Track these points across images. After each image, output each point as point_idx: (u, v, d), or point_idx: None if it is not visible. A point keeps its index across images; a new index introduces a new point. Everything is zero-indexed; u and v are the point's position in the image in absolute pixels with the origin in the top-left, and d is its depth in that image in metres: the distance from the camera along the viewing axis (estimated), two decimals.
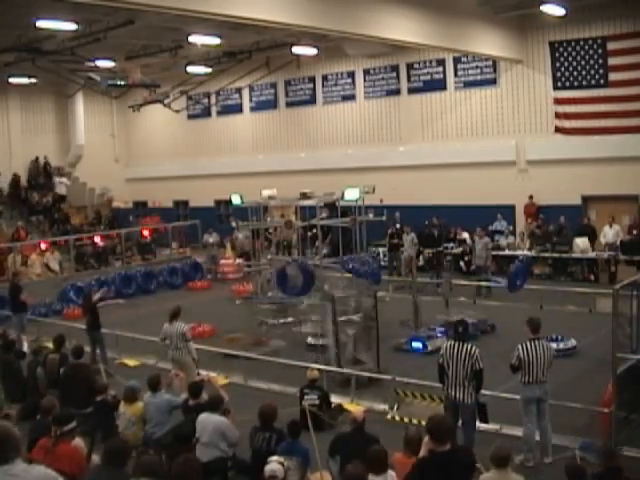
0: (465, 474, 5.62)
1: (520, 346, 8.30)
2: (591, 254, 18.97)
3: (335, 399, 10.31)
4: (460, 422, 8.37)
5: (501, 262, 20.40)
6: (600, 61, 19.48)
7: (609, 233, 19.05)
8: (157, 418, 8.55)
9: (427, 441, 5.64)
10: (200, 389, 8.63)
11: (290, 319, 15.58)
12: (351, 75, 24.97)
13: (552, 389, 8.62)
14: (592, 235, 19.32)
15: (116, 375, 11.22)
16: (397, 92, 23.89)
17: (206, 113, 29.59)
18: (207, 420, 7.55)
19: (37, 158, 29.69)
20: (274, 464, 6.42)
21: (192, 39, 19.81)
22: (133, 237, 26.06)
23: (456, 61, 22.32)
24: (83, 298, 14.84)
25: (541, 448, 8.32)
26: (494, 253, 20.52)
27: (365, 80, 24.62)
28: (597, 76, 19.60)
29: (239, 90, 27.79)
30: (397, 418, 10.01)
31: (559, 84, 20.32)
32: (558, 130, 20.42)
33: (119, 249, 24.72)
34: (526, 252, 20.07)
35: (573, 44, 19.91)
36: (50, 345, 11.73)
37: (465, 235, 21.14)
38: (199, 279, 22.34)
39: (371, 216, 16.16)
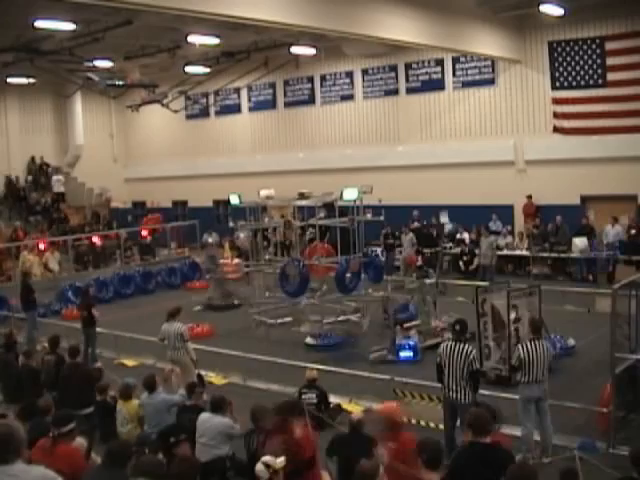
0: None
1: (520, 346, 8.34)
2: (590, 254, 18.98)
3: (334, 399, 10.31)
4: (459, 422, 8.40)
5: (499, 262, 20.49)
6: (598, 61, 19.50)
7: (610, 233, 19.06)
8: (156, 419, 8.54)
9: (467, 433, 5.81)
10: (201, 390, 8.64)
11: (288, 319, 15.64)
12: (350, 75, 24.97)
13: (551, 389, 8.63)
14: (590, 235, 19.32)
15: (112, 374, 11.19)
16: (395, 92, 23.90)
17: (204, 113, 29.58)
18: (210, 421, 7.53)
19: (33, 158, 29.63)
20: (259, 465, 6.36)
21: (190, 39, 19.78)
22: (132, 237, 26.04)
23: (454, 61, 22.33)
24: (81, 295, 14.86)
25: (541, 448, 8.34)
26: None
27: (364, 80, 24.63)
28: (595, 76, 19.62)
29: (237, 90, 27.79)
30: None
31: (557, 84, 20.34)
32: (556, 130, 20.45)
33: (119, 250, 24.72)
34: (524, 252, 20.12)
35: (572, 44, 19.94)
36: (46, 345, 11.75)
37: (465, 235, 21.15)
38: (197, 279, 22.33)
39: (369, 216, 16.18)
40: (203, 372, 12.43)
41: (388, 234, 21.19)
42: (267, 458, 6.17)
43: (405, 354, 12.82)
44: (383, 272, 16.48)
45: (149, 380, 8.85)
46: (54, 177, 29.41)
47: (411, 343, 12.92)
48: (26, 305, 15.59)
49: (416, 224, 21.93)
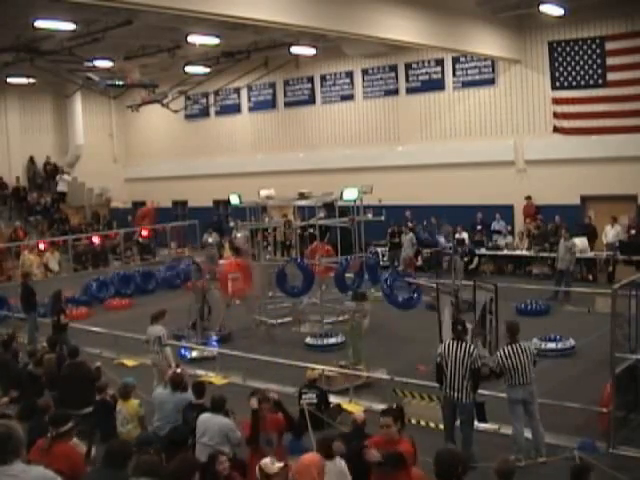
0: None
1: (498, 353, 8.38)
2: (589, 254, 18.98)
3: (334, 399, 10.31)
4: (458, 422, 8.42)
5: (499, 262, 20.51)
6: (598, 61, 19.49)
7: (610, 233, 19.06)
8: (174, 416, 8.51)
9: None
10: (204, 389, 8.65)
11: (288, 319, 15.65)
12: (349, 75, 24.96)
13: (551, 389, 8.63)
14: (592, 235, 19.33)
15: (112, 374, 11.20)
16: (395, 92, 23.89)
17: (204, 113, 29.57)
18: (210, 421, 7.52)
19: (32, 158, 29.58)
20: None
21: (191, 39, 19.78)
22: (133, 237, 26.05)
23: (455, 61, 22.32)
24: (51, 298, 14.69)
25: (534, 448, 8.34)
26: (492, 253, 20.61)
27: (364, 80, 24.62)
28: (595, 76, 19.61)
29: (237, 90, 27.78)
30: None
31: (557, 84, 20.33)
32: (556, 130, 20.44)
33: (118, 249, 24.72)
34: (524, 252, 20.13)
35: (571, 44, 19.93)
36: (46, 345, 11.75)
37: (464, 235, 21.15)
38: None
39: (370, 216, 16.19)
40: (203, 372, 12.49)
41: (394, 232, 21.15)
42: (266, 461, 6.17)
43: None
44: (379, 272, 16.45)
45: (177, 379, 8.88)
46: (57, 176, 29.43)
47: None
48: (27, 307, 15.53)
49: (409, 224, 21.91)
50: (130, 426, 8.81)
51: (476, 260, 19.91)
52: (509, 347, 8.33)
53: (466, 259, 20.17)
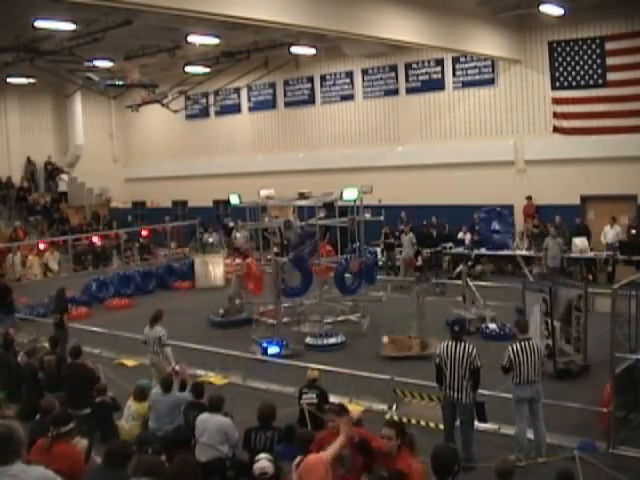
0: None
1: (510, 347, 8.35)
2: (589, 254, 18.98)
3: (334, 399, 10.30)
4: (458, 422, 8.41)
5: (499, 262, 20.49)
6: (598, 61, 19.50)
7: (609, 233, 19.05)
8: (170, 417, 8.57)
9: None
10: (203, 390, 8.67)
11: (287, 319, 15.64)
12: (349, 75, 24.97)
13: (551, 389, 8.63)
14: (586, 234, 19.31)
15: (112, 374, 11.20)
16: (395, 92, 23.89)
17: (204, 113, 29.58)
18: (209, 420, 7.54)
19: (29, 158, 29.59)
20: (264, 461, 6.41)
21: (190, 39, 19.80)
22: (132, 237, 26.05)
23: (454, 61, 22.32)
24: (55, 296, 14.55)
25: (535, 448, 8.33)
26: (492, 253, 20.57)
27: (363, 80, 24.62)
28: (595, 76, 19.62)
29: (237, 90, 27.78)
30: (396, 418, 10.00)
31: (557, 84, 20.34)
32: (556, 130, 20.45)
33: (118, 250, 24.72)
34: (524, 252, 20.10)
35: (571, 44, 19.94)
36: (46, 345, 11.74)
37: (467, 236, 21.09)
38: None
39: (369, 216, 16.18)
40: (203, 372, 12.50)
41: (388, 233, 21.19)
42: (266, 454, 6.19)
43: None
44: (376, 273, 16.43)
45: (167, 380, 8.98)
46: (58, 176, 29.49)
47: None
48: (4, 308, 15.25)
49: (402, 226, 21.85)
50: (134, 423, 9.04)
51: (460, 267, 19.67)
52: (519, 344, 8.31)
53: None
